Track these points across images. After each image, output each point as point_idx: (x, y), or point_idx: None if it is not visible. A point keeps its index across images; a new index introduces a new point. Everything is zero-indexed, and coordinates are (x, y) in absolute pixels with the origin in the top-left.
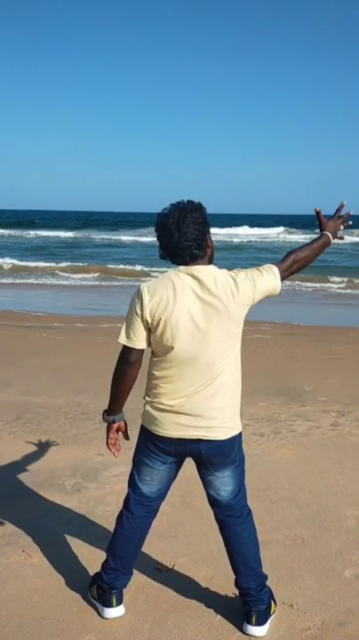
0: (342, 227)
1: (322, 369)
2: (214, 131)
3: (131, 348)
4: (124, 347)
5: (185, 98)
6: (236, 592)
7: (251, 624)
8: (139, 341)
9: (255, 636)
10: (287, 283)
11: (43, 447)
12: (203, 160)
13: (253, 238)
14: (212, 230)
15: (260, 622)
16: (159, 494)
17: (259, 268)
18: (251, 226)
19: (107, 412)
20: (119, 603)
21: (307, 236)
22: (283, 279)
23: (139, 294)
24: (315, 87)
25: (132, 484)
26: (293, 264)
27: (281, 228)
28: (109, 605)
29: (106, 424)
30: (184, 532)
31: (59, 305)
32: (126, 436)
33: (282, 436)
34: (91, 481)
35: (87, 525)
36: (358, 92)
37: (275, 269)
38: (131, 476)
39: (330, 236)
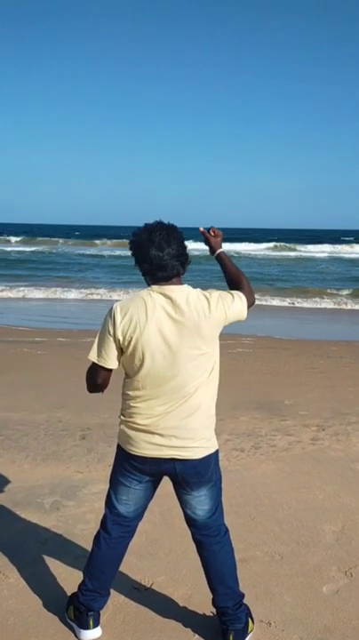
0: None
1: (302, 383)
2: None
3: (100, 367)
4: (94, 364)
5: (177, 113)
6: (214, 611)
7: None
8: (110, 360)
9: None
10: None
11: (21, 464)
12: (187, 175)
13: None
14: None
15: None
16: (136, 514)
17: (230, 292)
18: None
19: None
20: (96, 624)
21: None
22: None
23: (111, 313)
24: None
25: (109, 504)
26: (248, 295)
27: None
28: (86, 627)
29: (86, 441)
30: (163, 550)
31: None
32: None
33: (262, 451)
34: (70, 499)
35: (65, 545)
36: (343, 108)
37: (243, 296)
38: (108, 495)
39: (221, 250)
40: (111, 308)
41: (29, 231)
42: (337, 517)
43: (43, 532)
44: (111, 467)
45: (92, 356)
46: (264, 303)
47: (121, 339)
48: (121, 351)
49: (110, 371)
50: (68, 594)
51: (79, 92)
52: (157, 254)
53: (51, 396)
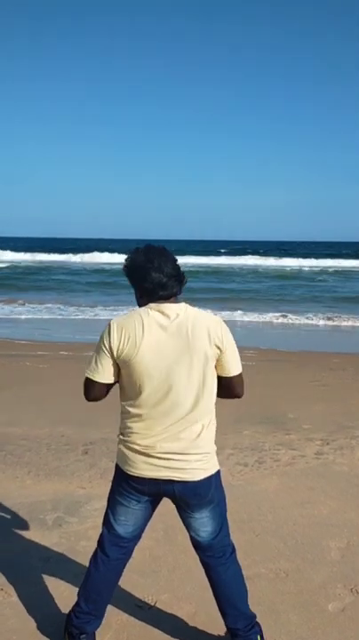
0: None
1: (306, 396)
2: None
3: (95, 381)
4: (88, 379)
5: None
6: (222, 630)
7: None
8: (106, 375)
9: None
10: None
11: (24, 480)
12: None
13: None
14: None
15: None
16: (134, 535)
17: (235, 351)
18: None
19: None
20: None
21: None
22: (231, 391)
23: (108, 330)
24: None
25: (107, 524)
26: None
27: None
28: None
29: (88, 456)
30: (167, 567)
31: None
32: None
33: (266, 466)
34: (73, 515)
35: (68, 562)
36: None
37: (240, 368)
38: (106, 515)
39: None
40: (108, 324)
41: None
42: (342, 533)
43: (45, 550)
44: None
45: (89, 372)
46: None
47: (117, 355)
48: (117, 367)
49: (106, 385)
50: None
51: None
52: (158, 275)
53: (53, 411)
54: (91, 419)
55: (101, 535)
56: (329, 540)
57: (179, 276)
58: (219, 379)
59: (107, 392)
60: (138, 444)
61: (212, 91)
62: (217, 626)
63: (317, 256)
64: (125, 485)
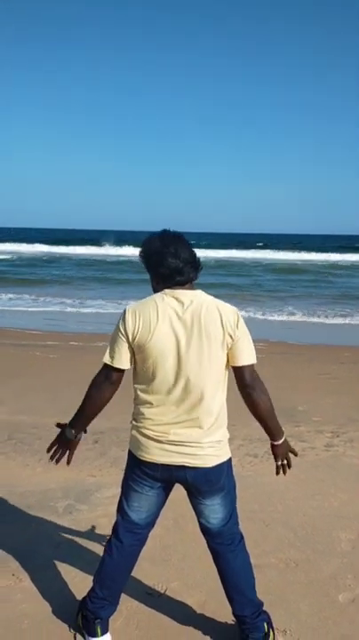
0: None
1: (316, 388)
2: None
3: (112, 368)
4: (106, 365)
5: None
6: (230, 618)
7: None
8: (123, 361)
9: None
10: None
11: (34, 468)
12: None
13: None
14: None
15: None
16: (148, 522)
17: (249, 339)
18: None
19: (74, 428)
20: (104, 632)
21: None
22: (243, 382)
23: (124, 316)
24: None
25: (121, 511)
26: (259, 389)
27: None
28: (94, 635)
29: (98, 445)
30: (177, 555)
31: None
32: (68, 461)
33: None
34: (84, 503)
35: (78, 549)
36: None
37: (254, 360)
38: (120, 502)
39: (282, 441)
40: (124, 310)
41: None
42: (352, 525)
43: (56, 536)
44: (123, 471)
45: (106, 358)
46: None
47: (133, 340)
48: (132, 353)
49: (122, 372)
50: (80, 599)
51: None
52: (174, 261)
53: (63, 400)
54: (105, 408)
55: (116, 522)
56: (339, 532)
57: (195, 262)
58: (234, 369)
59: (118, 385)
60: (151, 430)
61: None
62: (227, 614)
63: (328, 250)
64: (138, 471)
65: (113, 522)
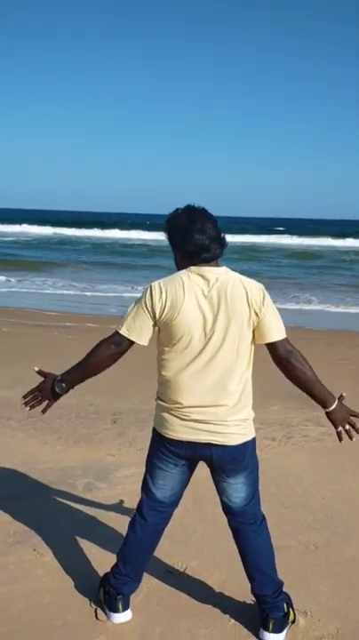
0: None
1: (334, 374)
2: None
3: (124, 337)
4: (120, 335)
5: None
6: (250, 598)
7: (268, 631)
8: (142, 336)
9: None
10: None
11: (54, 446)
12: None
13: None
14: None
15: (277, 630)
16: (172, 500)
17: (277, 314)
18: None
19: (65, 382)
20: (125, 608)
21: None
22: (278, 356)
23: (150, 290)
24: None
25: (146, 488)
26: (295, 360)
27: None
28: (115, 610)
29: (117, 425)
30: (196, 535)
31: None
32: (44, 410)
33: (294, 441)
34: (103, 481)
35: (98, 526)
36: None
37: (285, 333)
38: (145, 480)
39: (334, 407)
40: (150, 285)
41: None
42: None
43: (76, 513)
44: (142, 451)
45: (122, 329)
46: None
47: (159, 316)
48: (153, 328)
49: (130, 344)
50: (101, 574)
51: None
52: (201, 237)
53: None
54: (119, 389)
55: (140, 500)
56: (358, 516)
57: (221, 238)
58: (267, 346)
59: (121, 356)
60: (176, 408)
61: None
62: (246, 594)
63: (346, 235)
64: (163, 449)
65: (132, 500)
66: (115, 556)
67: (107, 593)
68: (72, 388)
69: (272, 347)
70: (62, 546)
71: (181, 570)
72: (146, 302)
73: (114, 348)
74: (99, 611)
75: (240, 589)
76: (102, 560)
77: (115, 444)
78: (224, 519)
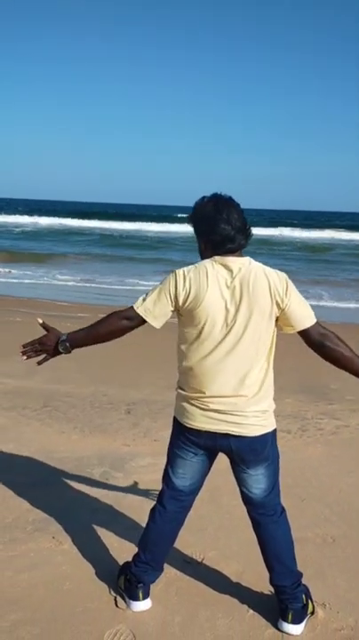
0: None
1: None
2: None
3: (139, 316)
4: (135, 313)
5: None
6: (268, 589)
7: (287, 621)
8: (157, 320)
9: (290, 634)
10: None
11: (70, 435)
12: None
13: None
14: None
15: (296, 621)
16: (192, 489)
17: (302, 299)
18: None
19: (69, 342)
20: (145, 596)
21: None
22: (312, 341)
23: (175, 278)
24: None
25: (166, 479)
26: (330, 342)
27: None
28: (136, 599)
29: (131, 415)
30: (212, 526)
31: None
32: (40, 362)
33: (309, 434)
34: (119, 470)
35: (116, 515)
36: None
37: (315, 319)
38: (165, 471)
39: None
40: (174, 272)
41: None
42: None
43: (93, 502)
44: (156, 441)
45: (139, 307)
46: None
47: (182, 304)
48: (173, 313)
49: (141, 324)
50: (120, 563)
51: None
52: (226, 227)
53: (95, 371)
54: (132, 380)
55: (161, 490)
56: None
57: (246, 229)
58: (299, 334)
59: (130, 331)
60: (196, 398)
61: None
62: (263, 585)
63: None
64: (183, 438)
65: (148, 490)
66: (133, 544)
67: (128, 581)
68: (74, 348)
69: (304, 334)
70: (81, 534)
71: (199, 560)
72: (169, 289)
73: (126, 322)
74: (118, 599)
75: (257, 580)
76: (120, 549)
77: (129, 435)
78: (240, 510)
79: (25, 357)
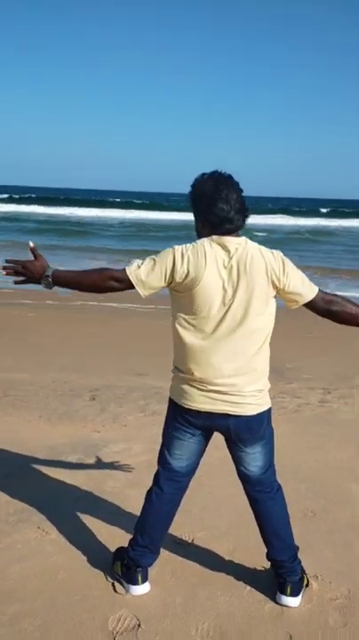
0: None
1: (302, 347)
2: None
3: (129, 281)
4: (127, 277)
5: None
6: (261, 565)
7: (286, 595)
8: (144, 287)
9: (289, 607)
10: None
11: (37, 424)
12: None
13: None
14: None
15: (295, 593)
16: (189, 469)
17: (300, 274)
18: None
19: (53, 277)
20: (144, 580)
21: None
22: (319, 310)
23: (173, 255)
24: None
25: (162, 460)
26: (337, 307)
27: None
28: (135, 583)
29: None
30: (197, 507)
31: None
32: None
33: (273, 413)
34: (94, 457)
35: (98, 502)
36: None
37: (316, 288)
38: (161, 453)
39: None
40: (173, 249)
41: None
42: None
43: (73, 490)
44: (127, 427)
45: (132, 270)
46: None
47: (177, 280)
48: (157, 289)
49: (127, 286)
50: (111, 549)
51: None
52: (225, 207)
53: (50, 358)
54: (91, 366)
55: (157, 472)
56: (348, 483)
57: (244, 210)
58: (305, 306)
59: (113, 291)
60: (194, 378)
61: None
62: (255, 561)
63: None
64: (181, 419)
65: (127, 475)
66: (121, 530)
67: (126, 566)
68: (56, 286)
69: (310, 305)
70: (66, 523)
71: (189, 541)
72: (166, 265)
73: (113, 283)
74: (116, 584)
75: (249, 557)
76: (109, 535)
77: (98, 421)
78: (221, 490)
79: (5, 273)
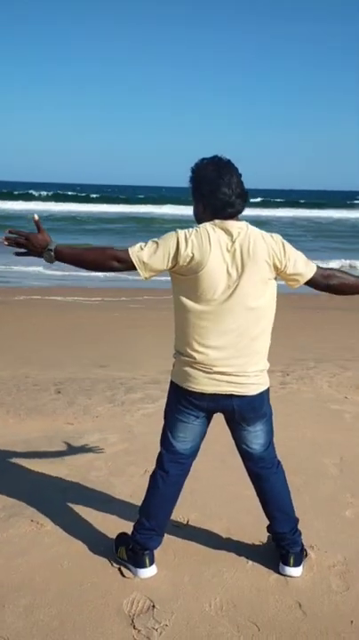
0: None
1: None
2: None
3: (131, 262)
4: (130, 258)
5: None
6: (258, 539)
7: (289, 565)
8: (146, 270)
9: (292, 577)
10: None
11: (5, 419)
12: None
13: None
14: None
15: (297, 563)
16: (192, 451)
17: (300, 254)
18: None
19: (55, 253)
20: (152, 563)
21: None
22: (319, 285)
23: (177, 239)
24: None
25: (166, 443)
26: (336, 280)
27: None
28: (143, 566)
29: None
30: (185, 489)
31: None
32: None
33: None
34: (72, 448)
35: (86, 491)
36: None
37: (314, 266)
38: (164, 436)
39: None
40: (176, 231)
41: None
42: (331, 451)
43: (59, 481)
44: (98, 417)
45: (134, 257)
46: None
47: (180, 264)
48: (158, 272)
49: (128, 267)
50: (109, 536)
51: None
52: (228, 191)
53: (10, 353)
54: (52, 360)
55: (160, 454)
56: (322, 458)
57: (245, 194)
58: (306, 284)
59: (114, 271)
60: (198, 361)
61: None
62: (252, 536)
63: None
64: (185, 402)
65: (109, 464)
66: (115, 516)
67: (132, 550)
68: (57, 261)
69: (311, 282)
70: (58, 514)
71: (185, 522)
72: (170, 249)
73: (115, 263)
74: (123, 569)
75: (244, 533)
76: (104, 522)
77: (69, 413)
78: (206, 473)
79: (6, 243)
